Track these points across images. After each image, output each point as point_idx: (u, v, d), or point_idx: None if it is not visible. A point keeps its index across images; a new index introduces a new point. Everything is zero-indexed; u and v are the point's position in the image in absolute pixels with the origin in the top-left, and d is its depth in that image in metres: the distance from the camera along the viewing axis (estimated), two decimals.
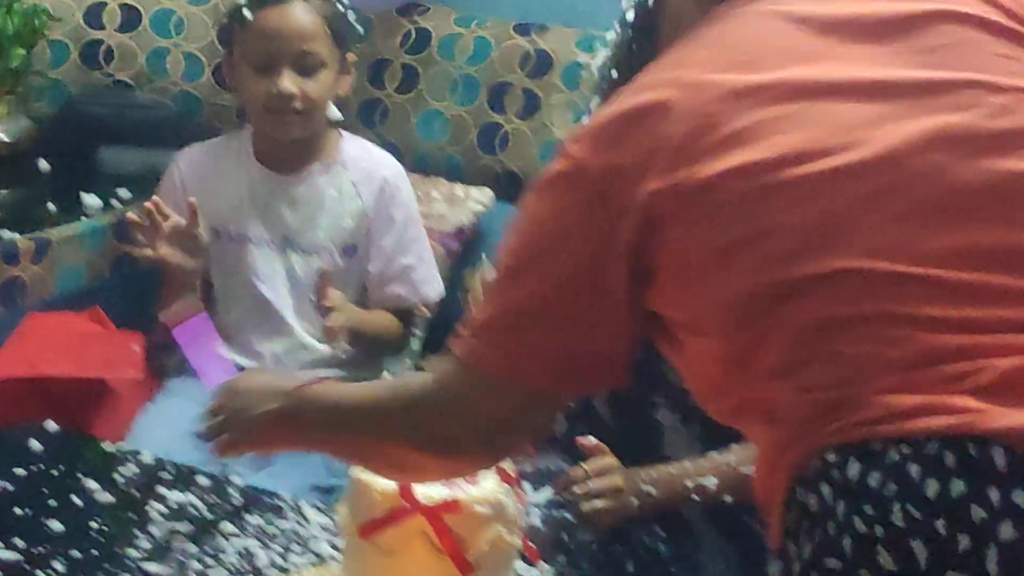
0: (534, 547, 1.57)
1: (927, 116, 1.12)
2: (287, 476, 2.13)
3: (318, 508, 1.74)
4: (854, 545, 1.02)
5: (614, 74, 1.87)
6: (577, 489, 1.78)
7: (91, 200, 2.45)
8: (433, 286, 2.47)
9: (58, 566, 1.55)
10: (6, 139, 2.69)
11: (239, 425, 1.45)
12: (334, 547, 1.63)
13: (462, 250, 2.73)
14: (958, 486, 1.00)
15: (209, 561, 1.59)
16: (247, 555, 1.61)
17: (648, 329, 1.22)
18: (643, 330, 1.22)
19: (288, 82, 2.29)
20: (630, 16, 1.84)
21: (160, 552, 1.61)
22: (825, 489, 1.06)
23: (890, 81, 1.14)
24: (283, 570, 1.59)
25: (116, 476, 1.79)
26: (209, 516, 1.70)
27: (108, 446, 1.91)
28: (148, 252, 2.27)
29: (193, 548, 1.61)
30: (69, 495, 1.72)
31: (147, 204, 2.27)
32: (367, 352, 2.39)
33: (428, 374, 1.30)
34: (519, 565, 1.54)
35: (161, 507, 1.70)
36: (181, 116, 2.88)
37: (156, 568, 1.57)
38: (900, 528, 1.01)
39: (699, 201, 1.14)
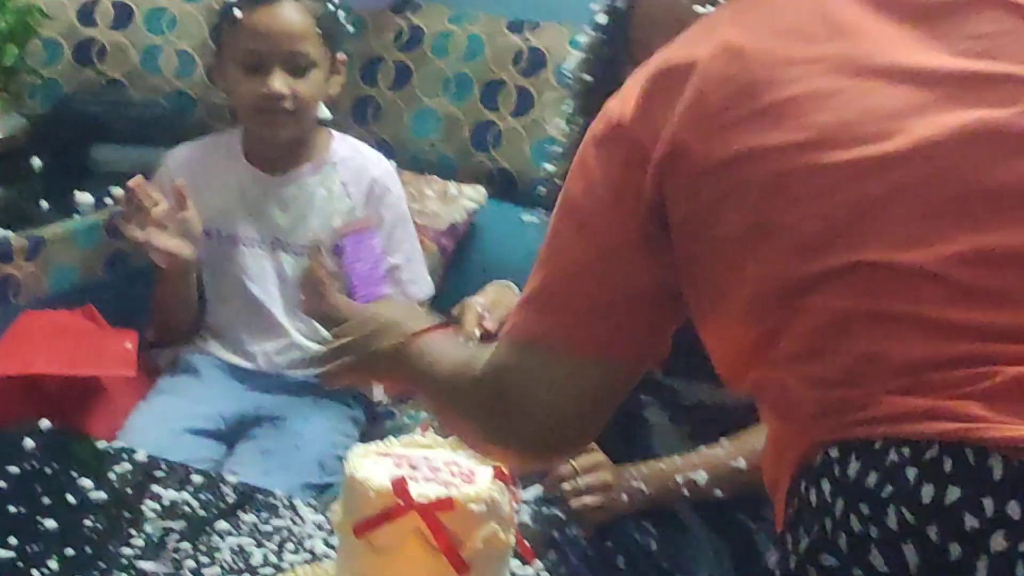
0: (528, 545, 1.57)
1: (964, 109, 1.09)
2: (281, 474, 2.14)
3: (312, 506, 1.74)
4: (849, 543, 1.03)
5: (588, 78, 1.87)
6: (567, 486, 1.78)
7: (84, 198, 2.45)
8: (421, 286, 2.47)
9: (52, 564, 1.55)
10: None
11: (354, 354, 1.47)
12: (328, 545, 1.63)
13: (455, 247, 2.73)
14: (953, 493, 0.99)
15: (203, 559, 1.59)
16: (241, 553, 1.61)
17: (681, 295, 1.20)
18: (676, 296, 1.19)
19: (279, 83, 2.29)
20: (602, 19, 1.84)
21: (154, 550, 1.61)
22: (825, 484, 1.06)
23: (932, 70, 1.11)
24: (277, 568, 1.59)
25: (110, 474, 1.79)
26: (203, 514, 1.71)
27: (102, 444, 1.91)
28: (137, 233, 2.25)
29: (187, 546, 1.61)
30: (63, 493, 1.72)
31: (129, 183, 2.25)
32: None
33: (489, 357, 1.27)
34: (514, 563, 1.55)
35: (155, 505, 1.70)
36: (174, 114, 2.88)
37: (150, 566, 1.57)
38: (893, 531, 1.01)
39: (725, 176, 1.12)
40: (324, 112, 2.42)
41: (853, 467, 1.04)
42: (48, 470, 1.79)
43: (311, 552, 1.63)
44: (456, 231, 2.72)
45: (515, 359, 1.23)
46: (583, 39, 1.89)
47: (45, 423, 1.90)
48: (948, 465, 1.00)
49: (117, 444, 1.94)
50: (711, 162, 1.13)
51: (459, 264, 2.73)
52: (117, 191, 2.28)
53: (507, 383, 1.23)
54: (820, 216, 1.09)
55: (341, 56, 2.41)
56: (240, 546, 1.62)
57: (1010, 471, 0.99)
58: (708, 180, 1.13)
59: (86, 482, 1.74)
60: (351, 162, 2.44)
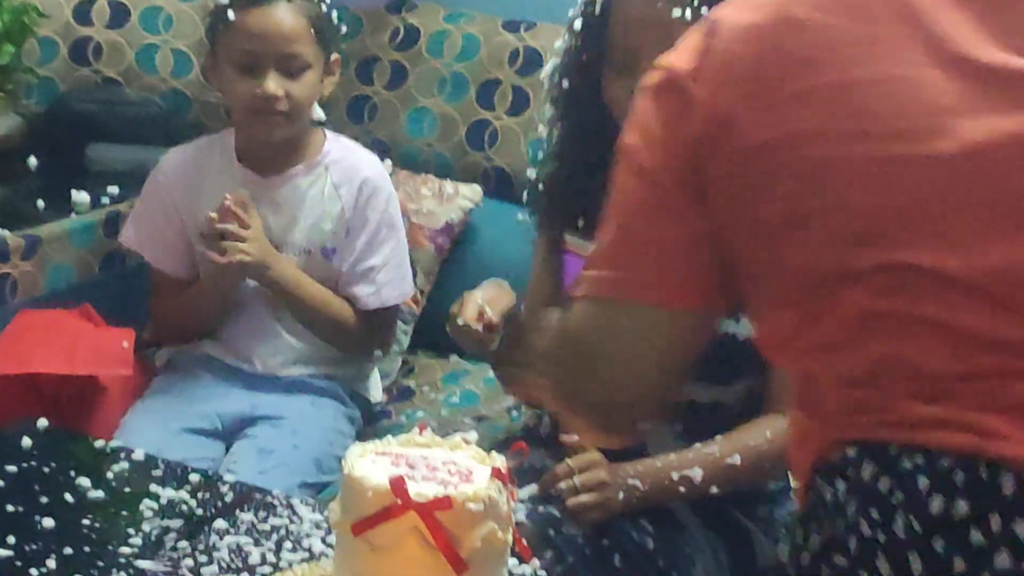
0: (526, 544, 1.58)
1: (1017, 113, 1.07)
2: (279, 473, 2.14)
3: (310, 505, 1.74)
4: (859, 546, 1.03)
5: (565, 84, 1.87)
6: (563, 485, 1.78)
7: (81, 197, 2.46)
8: (397, 289, 2.42)
9: (50, 563, 1.55)
10: None
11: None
12: (326, 544, 1.63)
13: (451, 246, 2.74)
14: (962, 507, 0.99)
15: (201, 558, 1.59)
16: (239, 552, 1.61)
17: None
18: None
19: (273, 84, 2.28)
20: (578, 25, 1.84)
21: (152, 549, 1.61)
22: (840, 484, 1.06)
23: (991, 65, 1.09)
24: (275, 567, 1.59)
25: (108, 473, 1.80)
26: (201, 513, 1.71)
27: (99, 443, 1.91)
28: (220, 258, 2.26)
29: (185, 545, 1.61)
30: (61, 492, 1.72)
31: (227, 201, 2.27)
32: (314, 330, 2.38)
33: (562, 323, 1.27)
34: (511, 562, 1.55)
35: (153, 504, 1.71)
36: (170, 113, 2.89)
37: (148, 565, 1.57)
38: (901, 539, 1.01)
39: (769, 157, 1.11)
40: (319, 113, 2.42)
41: (868, 469, 1.04)
42: (46, 469, 1.79)
43: (309, 551, 1.63)
44: (452, 230, 2.73)
45: (590, 317, 1.21)
46: (559, 43, 1.89)
47: (43, 422, 1.90)
48: (960, 478, 1.00)
49: (115, 443, 1.94)
50: (756, 141, 1.11)
51: (455, 263, 2.73)
52: (113, 190, 2.28)
53: (586, 343, 1.21)
54: (861, 211, 1.08)
55: (335, 57, 2.41)
56: (238, 545, 1.62)
57: (1021, 489, 0.99)
58: (752, 160, 1.12)
59: (84, 481, 1.74)
60: (343, 163, 2.42)
